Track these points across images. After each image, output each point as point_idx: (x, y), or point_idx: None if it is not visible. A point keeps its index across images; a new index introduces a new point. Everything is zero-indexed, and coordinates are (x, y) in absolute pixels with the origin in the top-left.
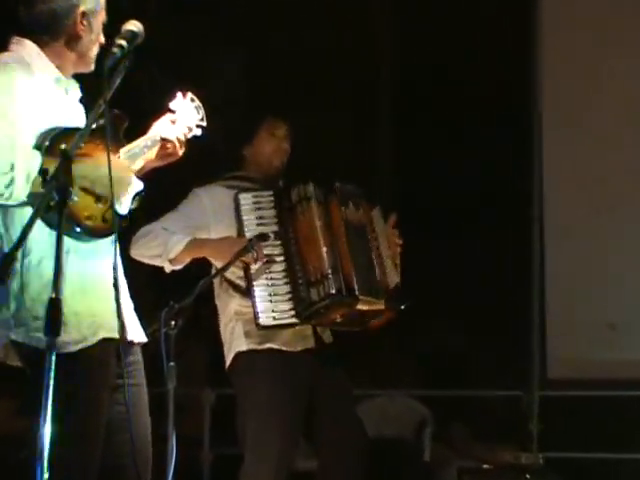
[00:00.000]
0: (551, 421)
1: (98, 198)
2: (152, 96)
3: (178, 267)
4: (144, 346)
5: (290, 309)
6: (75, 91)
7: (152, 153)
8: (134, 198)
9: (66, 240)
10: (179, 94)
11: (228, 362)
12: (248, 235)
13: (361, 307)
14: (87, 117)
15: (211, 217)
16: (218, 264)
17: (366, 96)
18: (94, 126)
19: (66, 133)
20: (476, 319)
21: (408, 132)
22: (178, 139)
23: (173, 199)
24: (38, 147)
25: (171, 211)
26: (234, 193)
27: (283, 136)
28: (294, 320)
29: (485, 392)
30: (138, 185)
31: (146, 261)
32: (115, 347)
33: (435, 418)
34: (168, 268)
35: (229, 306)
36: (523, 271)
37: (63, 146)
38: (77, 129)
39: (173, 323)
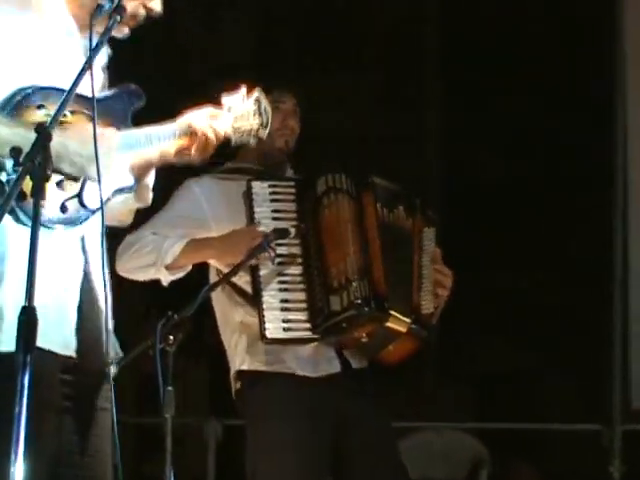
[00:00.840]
0: (636, 461)
1: (59, 183)
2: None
3: (178, 276)
4: (135, 367)
5: (305, 320)
6: (98, 55)
7: (172, 144)
8: (117, 193)
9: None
10: (242, 89)
11: (233, 385)
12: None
13: (392, 326)
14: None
15: (209, 212)
16: (224, 267)
17: (406, 53)
18: (82, 92)
19: (45, 94)
20: (545, 337)
21: (458, 100)
22: (215, 131)
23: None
24: (2, 107)
25: (159, 212)
26: (247, 180)
27: (289, 111)
28: (309, 334)
29: (556, 426)
30: (122, 179)
31: (138, 276)
32: (62, 363)
33: (493, 457)
34: (166, 278)
35: (233, 315)
36: (602, 280)
37: (41, 112)
38: (57, 90)
39: (172, 338)
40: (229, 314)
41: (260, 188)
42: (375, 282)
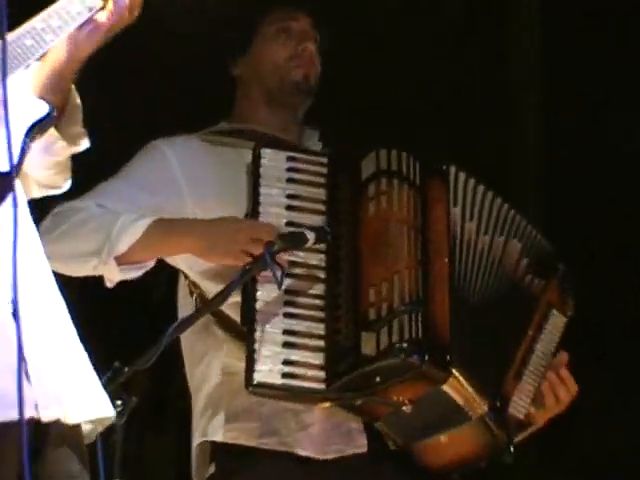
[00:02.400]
0: None
1: None
2: None
3: (132, 275)
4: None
5: (318, 366)
6: None
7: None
8: (32, 130)
9: None
10: None
11: (202, 467)
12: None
13: (452, 394)
14: None
15: (185, 184)
16: (202, 274)
17: None
18: None
19: None
20: None
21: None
22: None
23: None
24: None
25: (112, 177)
26: (254, 146)
27: (304, 33)
28: (321, 387)
29: None
30: (36, 107)
31: (69, 269)
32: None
33: None
34: (112, 276)
35: (208, 356)
36: None
37: None
38: None
39: (119, 404)
40: (202, 353)
41: (274, 160)
42: (434, 318)
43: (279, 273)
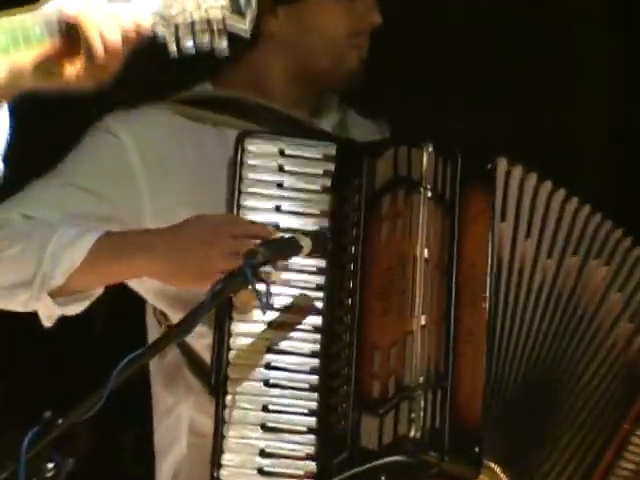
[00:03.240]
0: None
1: None
2: None
3: (73, 309)
4: None
5: (306, 457)
6: None
7: (29, 53)
8: None
9: None
10: None
11: None
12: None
13: None
14: None
15: (144, 181)
16: (168, 300)
17: None
18: None
19: None
20: None
21: None
22: (116, 22)
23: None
24: None
25: (41, 178)
26: (237, 134)
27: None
28: None
29: None
30: None
31: None
32: None
33: None
34: (49, 313)
35: (180, 408)
36: None
37: None
38: None
39: (50, 467)
40: (170, 404)
41: (261, 148)
42: (461, 398)
43: (264, 292)
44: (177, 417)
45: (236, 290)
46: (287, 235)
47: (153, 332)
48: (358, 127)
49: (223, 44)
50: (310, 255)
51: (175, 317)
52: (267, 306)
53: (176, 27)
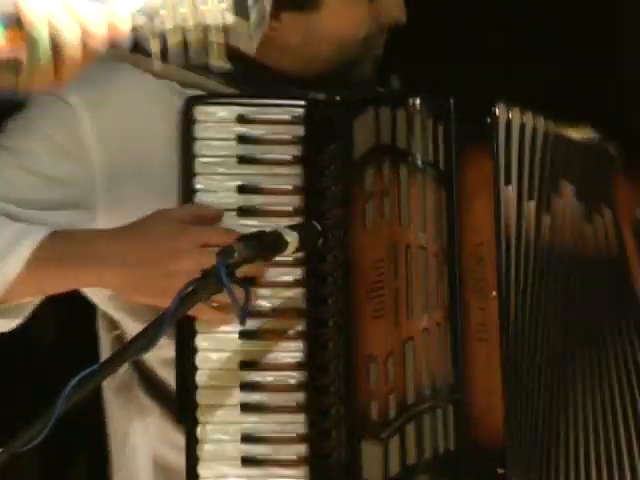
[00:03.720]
0: None
1: None
2: None
3: (8, 327)
4: None
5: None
6: None
7: None
8: None
9: None
10: None
11: None
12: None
13: None
14: None
15: (100, 173)
16: (116, 310)
17: None
18: None
19: None
20: None
21: None
22: (58, 35)
23: None
24: None
25: None
26: (186, 100)
27: None
28: None
29: None
30: None
31: None
32: None
33: None
34: None
35: (134, 436)
36: None
37: None
38: None
39: None
40: (124, 431)
41: (213, 116)
42: (477, 410)
43: (242, 298)
44: (133, 448)
45: (208, 294)
46: (269, 229)
47: (104, 338)
48: None
49: (222, 62)
50: (298, 252)
51: (124, 322)
52: (245, 316)
53: (163, 36)
